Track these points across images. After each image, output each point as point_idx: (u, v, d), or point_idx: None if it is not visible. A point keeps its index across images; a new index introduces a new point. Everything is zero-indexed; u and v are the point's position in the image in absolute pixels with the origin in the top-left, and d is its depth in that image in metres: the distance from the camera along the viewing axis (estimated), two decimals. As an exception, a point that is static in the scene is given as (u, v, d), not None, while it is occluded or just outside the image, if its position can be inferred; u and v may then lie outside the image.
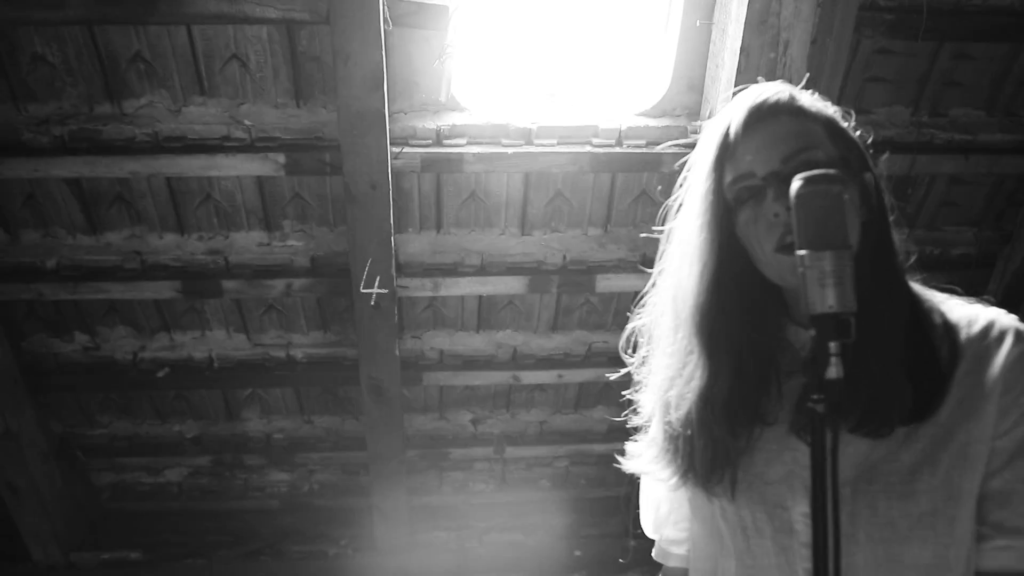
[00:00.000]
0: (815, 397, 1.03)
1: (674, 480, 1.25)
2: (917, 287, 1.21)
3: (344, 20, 2.25)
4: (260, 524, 3.54)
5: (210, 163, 2.56)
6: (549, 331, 3.13)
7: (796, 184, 1.05)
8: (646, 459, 1.30)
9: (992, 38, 2.73)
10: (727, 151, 1.18)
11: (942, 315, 1.17)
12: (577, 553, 3.37)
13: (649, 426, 1.30)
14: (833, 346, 1.03)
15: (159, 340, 3.06)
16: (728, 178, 1.18)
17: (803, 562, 1.18)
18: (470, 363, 3.18)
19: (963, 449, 1.12)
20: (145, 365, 3.10)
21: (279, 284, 2.83)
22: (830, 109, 1.22)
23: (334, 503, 3.54)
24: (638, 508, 1.48)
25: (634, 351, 1.36)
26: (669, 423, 1.23)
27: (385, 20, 2.29)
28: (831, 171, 1.06)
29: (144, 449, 3.41)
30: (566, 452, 3.51)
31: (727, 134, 1.19)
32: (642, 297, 1.35)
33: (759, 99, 1.19)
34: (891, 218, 1.20)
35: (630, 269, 2.87)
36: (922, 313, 1.17)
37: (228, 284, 2.81)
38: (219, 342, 3.07)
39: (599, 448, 3.46)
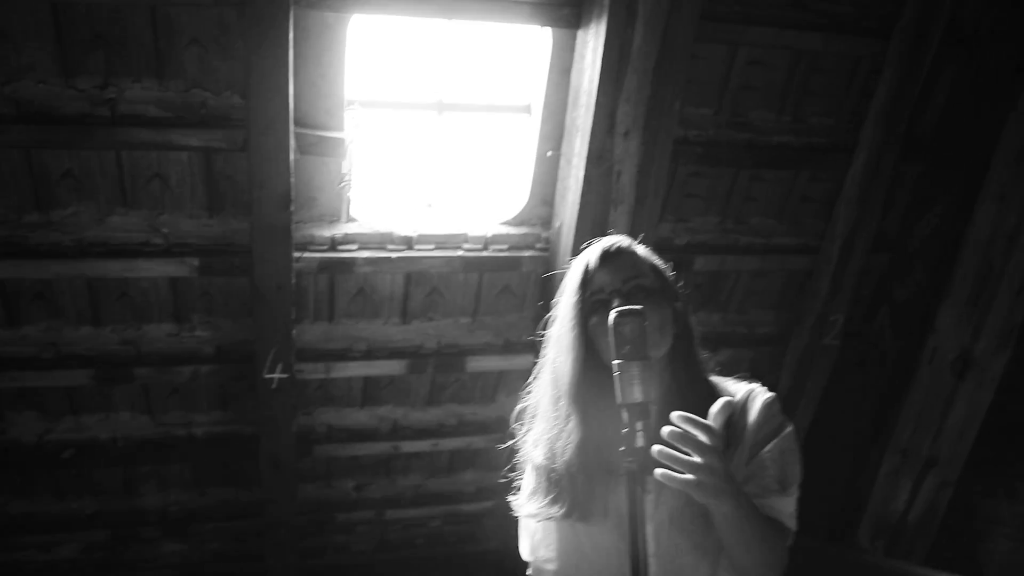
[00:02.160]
0: (629, 460, 1.56)
1: (560, 512, 1.73)
2: (712, 377, 1.77)
3: (260, 151, 2.69)
4: (152, 595, 3.76)
5: (130, 266, 2.90)
6: (426, 405, 3.59)
7: (612, 315, 1.59)
8: (532, 504, 1.77)
9: (777, 166, 3.46)
10: (587, 278, 1.74)
11: (725, 390, 1.74)
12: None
13: (532, 477, 1.78)
14: (639, 424, 1.56)
15: (65, 423, 3.30)
16: (587, 296, 1.72)
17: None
18: (355, 435, 3.58)
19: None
20: (50, 447, 3.33)
21: (187, 370, 3.17)
22: (654, 257, 1.79)
23: (227, 570, 3.81)
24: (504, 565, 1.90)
25: (520, 424, 1.87)
26: (554, 470, 1.71)
27: (293, 150, 2.75)
28: (637, 307, 1.60)
29: (38, 527, 3.58)
30: (440, 512, 3.95)
31: (587, 267, 1.75)
32: (512, 384, 1.86)
33: (608, 245, 1.77)
34: (695, 334, 1.75)
35: (495, 352, 3.38)
36: (715, 392, 1.74)
37: (139, 371, 3.13)
38: (124, 423, 3.34)
39: (469, 508, 3.91)
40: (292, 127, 2.70)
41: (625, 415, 1.54)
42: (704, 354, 1.79)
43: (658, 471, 1.45)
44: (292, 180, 2.76)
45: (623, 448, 1.57)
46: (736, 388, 1.75)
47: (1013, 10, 3.22)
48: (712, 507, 1.50)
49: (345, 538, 3.93)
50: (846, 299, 3.74)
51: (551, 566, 1.83)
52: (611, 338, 1.56)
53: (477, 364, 3.41)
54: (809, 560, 3.63)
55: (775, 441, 1.69)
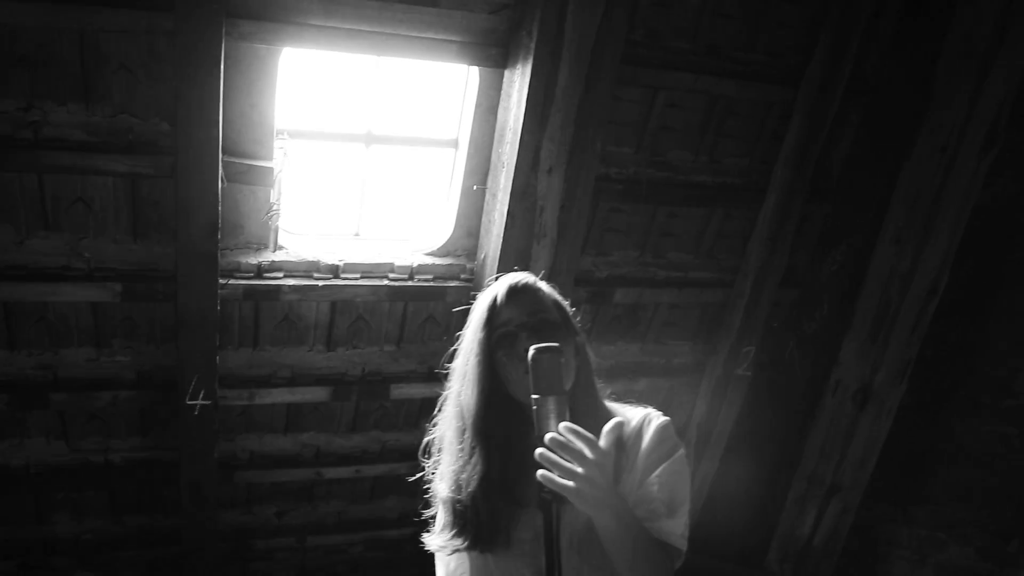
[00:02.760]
0: (545, 491, 1.63)
1: (466, 544, 1.79)
2: (608, 402, 1.87)
3: (188, 179, 2.70)
4: (62, 625, 3.67)
5: (50, 290, 2.87)
6: (349, 432, 3.61)
7: (531, 351, 1.67)
8: (440, 537, 1.83)
9: (694, 204, 3.61)
10: (494, 313, 1.81)
11: (622, 416, 1.83)
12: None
13: (440, 510, 1.85)
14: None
15: (-26, 449, 3.23)
16: (493, 330, 1.79)
17: None
18: (278, 462, 3.58)
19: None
20: (-42, 473, 3.25)
21: (106, 395, 3.14)
22: (556, 294, 1.88)
23: (141, 599, 3.76)
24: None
25: (428, 456, 1.93)
26: (460, 501, 1.78)
27: (222, 178, 2.78)
28: (554, 344, 1.69)
29: (-58, 557, 3.48)
30: (361, 539, 3.96)
31: (494, 302, 1.82)
32: (435, 411, 1.92)
33: (515, 281, 1.84)
34: (592, 365, 1.84)
35: (419, 379, 3.43)
36: (611, 418, 1.82)
37: (56, 396, 3.08)
38: (38, 449, 3.27)
39: (391, 534, 3.94)
40: (221, 155, 2.73)
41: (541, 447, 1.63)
42: (600, 383, 1.87)
43: (539, 472, 1.52)
44: (220, 208, 2.78)
45: (539, 477, 1.67)
46: (632, 413, 1.84)
47: (909, 63, 3.45)
48: (594, 519, 1.57)
49: (265, 565, 3.91)
50: (758, 331, 3.92)
51: None
52: (529, 374, 1.64)
53: (401, 391, 3.45)
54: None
55: (665, 464, 1.76)
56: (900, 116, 3.46)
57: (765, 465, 3.90)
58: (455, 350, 1.92)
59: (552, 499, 1.60)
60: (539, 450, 1.53)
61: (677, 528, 1.76)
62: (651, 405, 1.91)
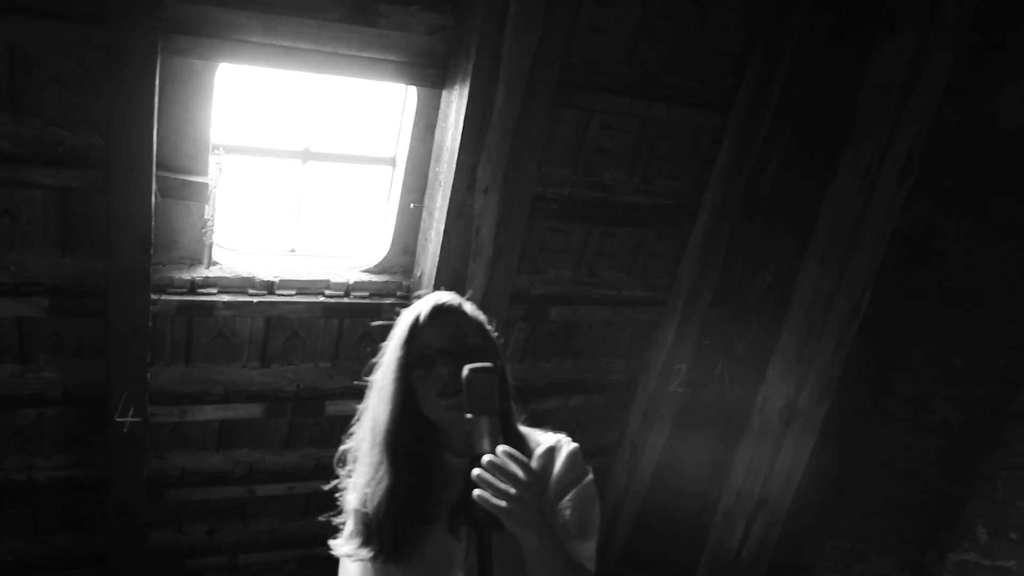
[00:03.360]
0: (478, 510, 1.66)
1: (371, 556, 1.81)
2: (522, 428, 1.90)
3: (120, 193, 2.67)
4: (-20, 648, 3.55)
5: (-28, 304, 2.81)
6: (283, 449, 3.59)
7: (467, 370, 1.70)
8: (348, 546, 1.84)
9: (628, 224, 3.69)
10: (415, 332, 1.83)
11: (535, 440, 1.87)
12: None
13: (349, 520, 1.86)
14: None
15: None
16: (412, 350, 1.81)
17: None
18: (209, 479, 3.53)
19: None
20: None
21: (30, 413, 3.07)
22: (481, 316, 1.91)
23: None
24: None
25: (343, 466, 1.93)
26: (367, 514, 1.80)
27: (155, 193, 2.75)
28: (489, 364, 1.72)
29: None
30: (295, 556, 3.92)
31: (416, 321, 1.85)
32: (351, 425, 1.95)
33: (439, 302, 1.87)
34: (510, 390, 1.87)
35: (354, 395, 3.37)
36: (525, 441, 1.87)
37: (-23, 414, 3.01)
38: (-44, 468, 3.19)
39: (325, 551, 3.89)
40: (155, 170, 2.70)
41: (473, 466, 1.66)
42: (516, 407, 1.90)
43: (476, 492, 1.56)
44: (153, 223, 2.75)
45: (475, 496, 1.70)
46: (544, 438, 1.89)
47: (834, 91, 3.59)
48: (520, 538, 1.61)
49: (195, 585, 3.85)
50: (689, 349, 4.01)
51: None
52: (465, 393, 1.67)
53: (336, 408, 3.45)
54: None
55: (576, 489, 1.82)
56: (825, 141, 3.59)
57: (696, 481, 3.98)
58: (374, 365, 1.95)
59: (485, 519, 1.63)
60: (476, 471, 1.57)
61: (588, 551, 1.82)
62: (586, 421, 1.97)
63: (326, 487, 1.96)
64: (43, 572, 3.54)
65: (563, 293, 3.75)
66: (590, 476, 1.88)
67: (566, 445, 1.89)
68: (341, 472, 1.93)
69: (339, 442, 1.97)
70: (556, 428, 1.98)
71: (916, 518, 3.78)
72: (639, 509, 4.25)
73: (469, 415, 1.68)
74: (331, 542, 1.91)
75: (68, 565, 3.56)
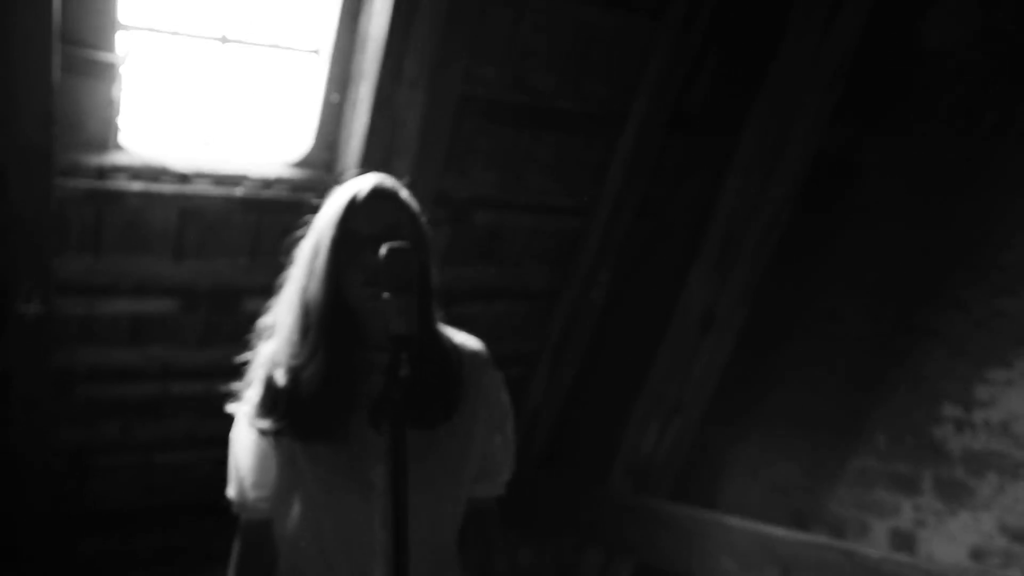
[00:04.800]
0: (394, 390, 1.65)
1: (279, 430, 1.76)
2: (441, 326, 1.88)
3: (17, 64, 2.50)
4: None
5: None
6: (199, 346, 3.51)
7: (384, 249, 1.67)
8: (263, 420, 1.79)
9: (556, 129, 3.65)
10: (350, 213, 1.79)
11: (449, 340, 1.86)
12: (222, 548, 3.74)
13: (263, 394, 1.80)
14: (404, 355, 1.66)
15: None
16: (342, 230, 1.77)
17: (379, 505, 1.75)
18: (121, 375, 3.44)
19: (467, 435, 1.83)
20: None
21: (-74, 300, 2.93)
22: (416, 206, 1.87)
23: (-31, 517, 3.57)
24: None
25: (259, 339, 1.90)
26: (289, 390, 1.77)
27: (58, 67, 2.59)
28: (406, 244, 1.69)
29: None
30: (211, 456, 3.87)
31: (352, 202, 1.80)
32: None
33: (378, 185, 1.82)
34: (433, 286, 1.83)
35: (273, 293, 3.35)
36: (443, 339, 1.86)
37: None
38: None
39: (242, 452, 3.87)
40: (58, 42, 2.54)
41: (392, 346, 1.64)
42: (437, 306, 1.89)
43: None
44: (55, 99, 2.60)
45: (386, 380, 1.69)
46: (464, 339, 1.88)
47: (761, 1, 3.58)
48: None
49: (107, 483, 3.78)
50: (612, 259, 4.03)
51: (261, 504, 1.86)
52: (383, 272, 1.64)
53: (254, 306, 3.33)
54: (562, 501, 3.93)
55: (507, 428, 1.90)
56: (755, 55, 3.59)
57: (613, 387, 4.05)
58: (301, 238, 1.90)
59: (400, 401, 1.61)
60: None
61: (501, 487, 1.94)
62: (507, 328, 1.97)
63: (239, 361, 1.92)
64: (-54, 468, 3.44)
65: (489, 197, 3.72)
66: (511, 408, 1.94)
67: (490, 360, 1.90)
68: (256, 344, 1.90)
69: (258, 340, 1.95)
70: (477, 334, 1.96)
71: (823, 426, 3.93)
72: (557, 416, 4.32)
73: (385, 294, 1.66)
74: (232, 406, 1.88)
75: (-27, 460, 3.47)
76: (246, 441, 1.86)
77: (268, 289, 2.09)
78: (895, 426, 3.63)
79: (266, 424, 1.79)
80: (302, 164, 3.26)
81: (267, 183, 3.17)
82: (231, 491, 1.92)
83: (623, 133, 3.78)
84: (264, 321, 1.92)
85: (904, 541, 3.49)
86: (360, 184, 1.82)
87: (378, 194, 1.81)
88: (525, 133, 3.62)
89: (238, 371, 1.98)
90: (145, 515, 3.89)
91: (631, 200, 3.94)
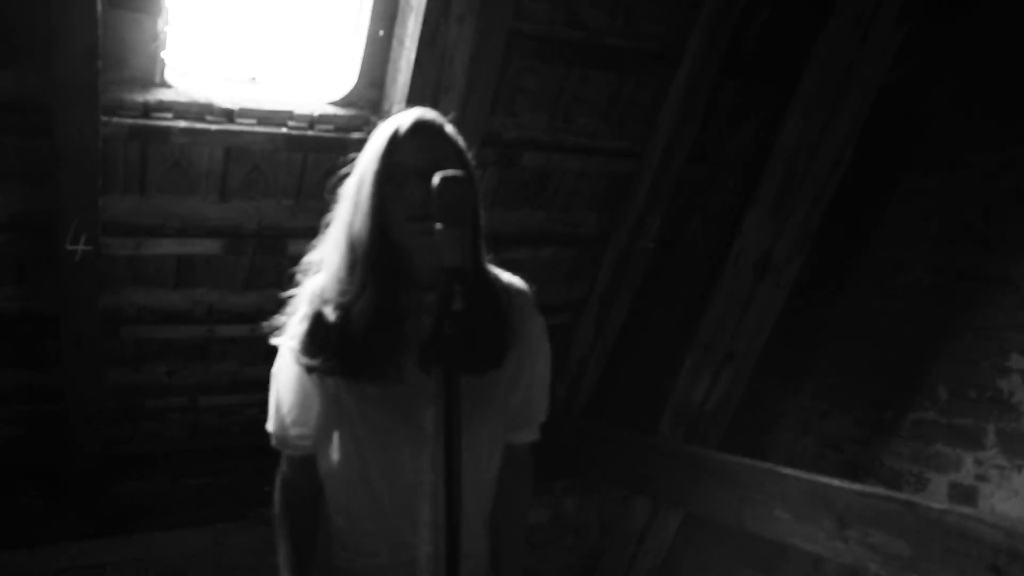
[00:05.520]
0: (448, 324, 1.58)
1: (342, 371, 1.73)
2: (489, 267, 1.84)
3: (62, 0, 2.45)
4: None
5: (-93, 118, 2.61)
6: (244, 289, 3.49)
7: (437, 178, 1.60)
8: (313, 358, 1.76)
9: (607, 68, 3.52)
10: (393, 146, 1.73)
11: (498, 279, 1.82)
12: (266, 488, 3.75)
13: (311, 330, 1.78)
14: (457, 288, 1.59)
15: None
16: (388, 165, 1.71)
17: (428, 447, 1.73)
18: (167, 317, 3.43)
19: (511, 379, 1.80)
20: None
21: (-26, 239, 2.93)
22: (461, 141, 1.80)
23: (24, 457, 3.60)
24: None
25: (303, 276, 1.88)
26: (338, 326, 1.72)
27: (102, 1, 2.53)
28: (461, 173, 1.62)
29: None
30: (256, 400, 3.88)
31: (395, 136, 1.74)
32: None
33: (421, 118, 1.77)
34: (482, 223, 1.80)
35: (318, 235, 3.30)
36: (492, 279, 1.81)
37: (-84, 237, 2.85)
38: (-102, 295, 3.05)
39: (287, 396, 3.87)
40: (100, -26, 2.48)
41: (444, 279, 1.58)
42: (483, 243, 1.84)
43: None
44: (99, 33, 2.54)
45: (438, 315, 1.63)
46: (511, 280, 1.86)
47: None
48: None
49: (155, 425, 3.80)
50: (663, 204, 3.92)
51: (302, 442, 1.86)
52: (435, 201, 1.59)
53: (299, 248, 3.29)
54: (609, 451, 3.87)
55: (545, 370, 1.89)
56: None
57: (663, 336, 3.97)
58: (347, 175, 1.85)
59: (454, 336, 1.55)
60: None
61: (535, 433, 1.93)
62: (554, 275, 1.92)
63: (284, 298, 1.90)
64: (1, 407, 3.47)
65: (537, 139, 3.61)
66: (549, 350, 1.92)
67: (534, 304, 1.87)
68: (301, 280, 1.88)
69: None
70: (525, 280, 1.92)
71: (879, 378, 3.81)
72: (604, 365, 4.25)
73: (439, 225, 1.60)
74: (275, 339, 1.86)
75: (25, 400, 3.49)
76: (288, 378, 1.84)
77: (313, 232, 2.06)
78: (958, 378, 3.50)
79: (314, 362, 1.76)
80: (347, 102, 3.18)
81: (312, 121, 3.10)
82: (271, 426, 1.90)
83: (676, 74, 3.64)
84: (309, 258, 1.87)
85: (964, 496, 3.38)
86: (403, 118, 1.78)
87: (422, 127, 1.76)
88: (575, 72, 3.49)
89: (282, 313, 1.95)
90: (192, 457, 3.91)
91: (683, 143, 3.80)
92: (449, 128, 1.81)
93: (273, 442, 1.93)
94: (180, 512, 3.59)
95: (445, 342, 1.55)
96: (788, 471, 3.04)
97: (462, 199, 1.60)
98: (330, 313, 1.76)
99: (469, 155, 1.82)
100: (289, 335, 1.82)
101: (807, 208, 3.38)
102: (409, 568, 1.77)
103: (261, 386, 3.80)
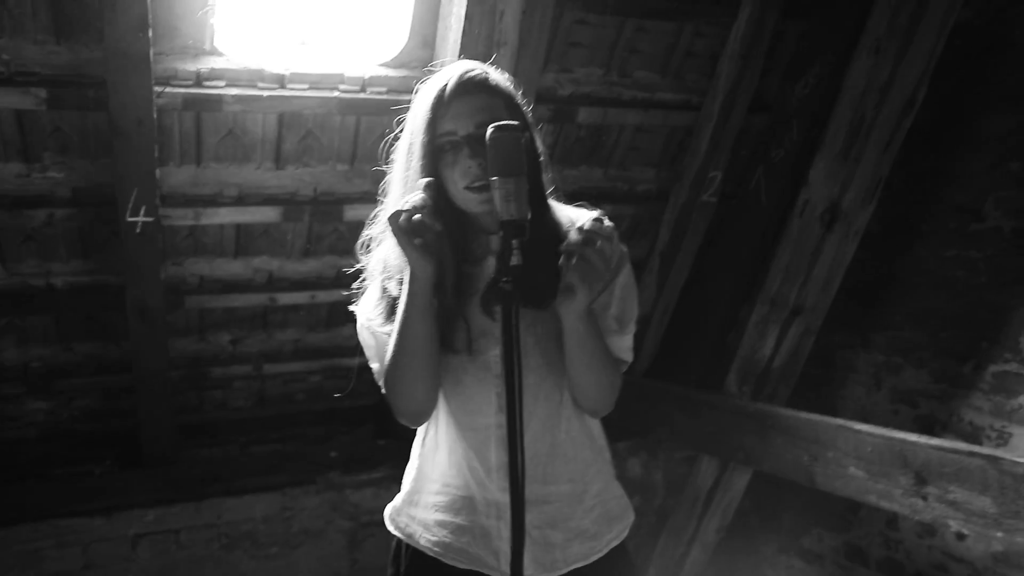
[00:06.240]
0: (504, 280, 1.55)
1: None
2: (553, 202, 1.78)
3: (110, -32, 2.45)
4: (18, 453, 3.62)
5: (-33, 94, 2.65)
6: (302, 256, 3.49)
7: (490, 129, 1.55)
8: (379, 321, 1.75)
9: (663, 17, 3.40)
10: (439, 112, 1.68)
11: (566, 217, 1.76)
12: (333, 454, 3.80)
13: (384, 300, 1.75)
14: (515, 242, 1.55)
15: (-94, 271, 3.07)
16: (438, 132, 1.66)
17: (495, 388, 1.71)
18: (229, 287, 3.46)
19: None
20: None
21: (40, 214, 2.96)
22: (511, 87, 1.74)
23: (96, 427, 3.70)
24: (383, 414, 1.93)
25: (366, 253, 1.83)
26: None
27: (149, -31, 2.52)
28: (514, 122, 1.57)
29: None
30: (319, 367, 3.91)
31: (440, 99, 1.69)
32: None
33: (464, 75, 1.71)
34: (542, 161, 1.76)
35: (374, 200, 3.27)
36: (557, 217, 1.75)
37: (-14, 213, 2.91)
38: (-28, 273, 3.12)
39: (349, 362, 3.86)
40: (148, -58, 2.46)
41: (502, 232, 1.55)
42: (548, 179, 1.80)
43: (570, 241, 1.54)
44: (149, 2, 2.53)
45: (498, 266, 1.62)
46: (578, 214, 1.77)
47: None
48: (568, 316, 1.61)
49: (222, 393, 3.86)
50: (725, 157, 3.80)
51: None
52: (488, 153, 1.54)
53: (355, 213, 3.32)
54: (673, 410, 3.80)
55: (619, 278, 1.76)
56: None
57: (727, 292, 3.86)
58: (392, 151, 1.82)
59: (513, 291, 1.53)
60: (573, 234, 1.54)
61: (626, 343, 1.79)
62: None
63: (348, 292, 1.86)
64: (72, 378, 3.55)
65: (592, 94, 3.52)
66: (629, 264, 1.80)
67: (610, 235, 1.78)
68: (364, 253, 1.83)
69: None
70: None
71: (956, 330, 3.66)
72: (667, 323, 4.17)
73: (494, 177, 1.55)
74: (353, 307, 1.83)
75: (96, 372, 3.57)
76: (371, 342, 1.82)
77: (369, 196, 2.03)
78: (1042, 328, 3.34)
79: (388, 331, 1.74)
80: (398, 63, 3.14)
81: (364, 84, 3.06)
82: (378, 379, 1.86)
83: (736, 20, 3.50)
84: (369, 231, 1.83)
85: (1050, 450, 3.25)
86: (446, 76, 1.72)
87: (467, 86, 1.70)
88: (630, 23, 3.39)
89: (342, 281, 1.93)
90: (260, 424, 3.97)
91: (744, 93, 3.67)
92: (495, 76, 1.74)
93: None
94: (249, 478, 3.64)
95: (503, 296, 1.54)
96: (862, 427, 2.94)
97: (515, 148, 1.55)
98: (394, 288, 1.73)
99: (519, 94, 1.76)
100: (362, 308, 1.80)
101: (877, 154, 3.23)
102: (489, 511, 1.75)
103: (323, 353, 3.88)
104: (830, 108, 3.40)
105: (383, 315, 1.76)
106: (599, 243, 1.53)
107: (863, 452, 2.89)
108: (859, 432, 2.92)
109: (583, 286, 1.55)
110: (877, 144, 3.20)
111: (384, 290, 1.75)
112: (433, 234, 1.59)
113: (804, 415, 3.22)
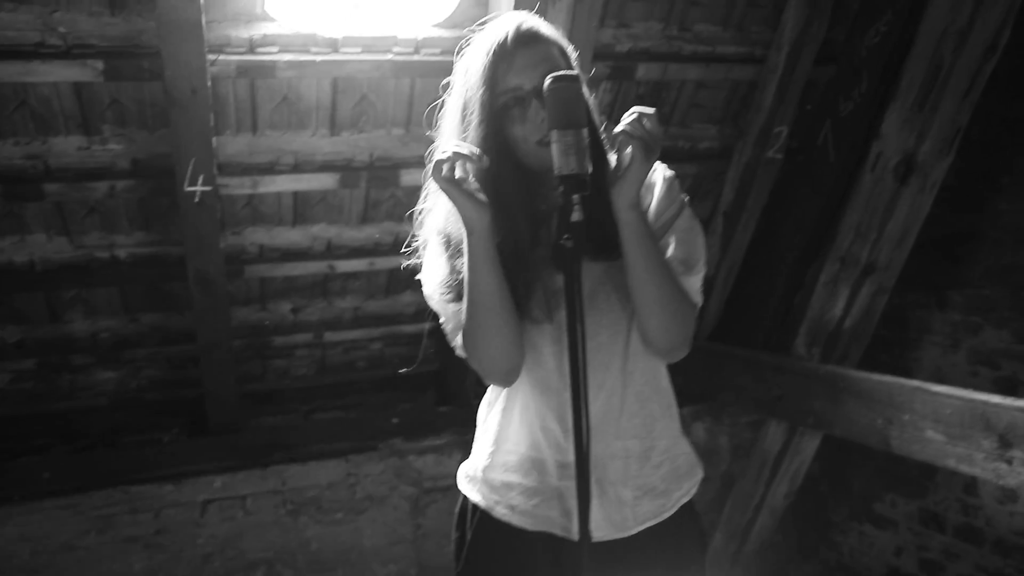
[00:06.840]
0: (565, 236, 1.49)
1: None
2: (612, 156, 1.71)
3: (159, -66, 2.42)
4: (90, 422, 3.70)
5: (26, 69, 2.65)
6: (360, 223, 3.47)
7: (548, 81, 1.48)
8: (438, 290, 1.71)
9: (723, -35, 3.27)
10: (497, 68, 1.61)
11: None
12: (395, 420, 3.80)
13: (441, 270, 1.71)
14: (575, 197, 1.49)
15: (-24, 247, 3.13)
16: (500, 88, 1.59)
17: (564, 344, 1.64)
18: (288, 255, 3.46)
19: None
20: (-38, 272, 3.16)
21: (102, 186, 2.99)
22: (561, 39, 1.67)
23: (164, 396, 3.76)
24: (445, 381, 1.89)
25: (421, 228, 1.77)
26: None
27: (198, -66, 2.49)
28: (572, 72, 1.50)
29: (-40, 358, 3.46)
30: (380, 334, 3.90)
31: (501, 53, 1.62)
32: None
33: (522, 28, 1.64)
34: (594, 111, 1.69)
35: (431, 165, 3.24)
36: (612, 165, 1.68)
37: (50, 187, 2.93)
38: (40, 245, 3.16)
39: (409, 329, 3.88)
40: (195, -94, 2.43)
41: (561, 187, 1.49)
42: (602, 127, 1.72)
43: (624, 126, 1.50)
44: (199, -32, 2.51)
45: (559, 223, 1.56)
46: None
47: None
48: (626, 211, 1.55)
49: (285, 362, 3.89)
50: (791, 111, 3.66)
51: None
52: (547, 105, 1.49)
53: (412, 178, 3.28)
54: (740, 374, 3.71)
55: (679, 220, 1.68)
56: None
57: (795, 251, 3.73)
58: (442, 111, 1.77)
59: (574, 248, 1.48)
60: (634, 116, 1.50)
61: (695, 284, 1.69)
62: None
63: (407, 263, 1.82)
64: (139, 349, 3.60)
65: (651, 49, 3.41)
66: (689, 206, 1.73)
67: (662, 170, 1.72)
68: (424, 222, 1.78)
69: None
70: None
71: (1040, 286, 3.49)
72: (732, 284, 4.06)
73: (553, 130, 1.49)
74: (425, 284, 1.77)
75: (161, 342, 3.62)
76: (441, 309, 1.77)
77: (424, 161, 1.97)
78: None
79: (456, 304, 1.68)
80: (452, 23, 3.06)
81: (417, 46, 3.01)
82: (457, 348, 1.81)
83: (801, -34, 3.35)
84: (424, 204, 1.79)
85: None
86: (501, 30, 1.64)
87: (525, 38, 1.63)
88: (690, -26, 3.26)
89: (400, 248, 1.89)
90: (322, 392, 3.99)
91: (810, 44, 3.51)
92: (546, 28, 1.67)
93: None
94: (313, 445, 3.67)
95: (565, 253, 1.50)
96: (941, 388, 2.82)
97: (575, 100, 1.49)
98: (462, 266, 1.67)
99: (569, 47, 1.69)
100: (426, 280, 1.75)
101: (955, 103, 3.07)
102: (564, 473, 1.71)
103: (383, 320, 3.87)
104: (903, 58, 3.24)
105: (454, 293, 1.70)
106: (644, 120, 1.49)
107: (942, 415, 2.78)
108: (937, 394, 2.80)
109: (639, 155, 1.50)
110: (955, 92, 3.04)
111: (453, 268, 1.68)
112: (482, 174, 1.55)
113: (878, 377, 3.10)
